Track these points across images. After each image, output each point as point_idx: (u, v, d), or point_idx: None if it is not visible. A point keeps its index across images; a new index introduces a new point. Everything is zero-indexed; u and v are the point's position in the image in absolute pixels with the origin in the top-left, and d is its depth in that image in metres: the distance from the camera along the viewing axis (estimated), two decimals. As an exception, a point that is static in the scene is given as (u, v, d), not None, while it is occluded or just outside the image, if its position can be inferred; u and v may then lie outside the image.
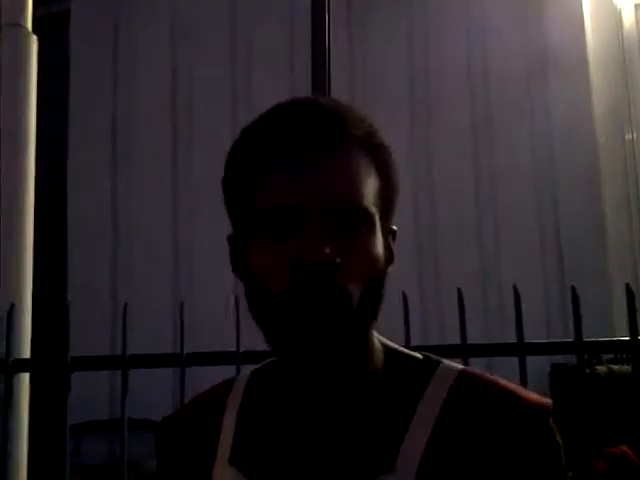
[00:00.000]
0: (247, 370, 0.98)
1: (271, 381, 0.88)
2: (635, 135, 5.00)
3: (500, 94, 5.08)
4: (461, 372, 0.84)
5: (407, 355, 0.88)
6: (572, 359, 2.04)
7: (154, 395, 4.23)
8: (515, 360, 1.87)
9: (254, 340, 0.97)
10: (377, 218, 0.79)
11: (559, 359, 3.84)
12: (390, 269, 0.84)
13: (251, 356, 1.81)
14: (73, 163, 5.99)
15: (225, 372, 1.28)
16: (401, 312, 1.91)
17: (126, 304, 1.98)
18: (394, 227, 0.87)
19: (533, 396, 0.81)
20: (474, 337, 1.92)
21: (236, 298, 1.96)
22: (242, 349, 1.86)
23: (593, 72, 4.94)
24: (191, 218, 5.60)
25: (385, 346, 0.87)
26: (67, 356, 2.00)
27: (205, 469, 0.86)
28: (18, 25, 2.48)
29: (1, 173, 2.37)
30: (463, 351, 1.87)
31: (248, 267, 0.80)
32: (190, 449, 0.90)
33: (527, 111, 5.02)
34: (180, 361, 1.93)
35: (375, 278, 0.78)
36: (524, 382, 1.84)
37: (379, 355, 0.85)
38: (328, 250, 0.73)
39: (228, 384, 0.95)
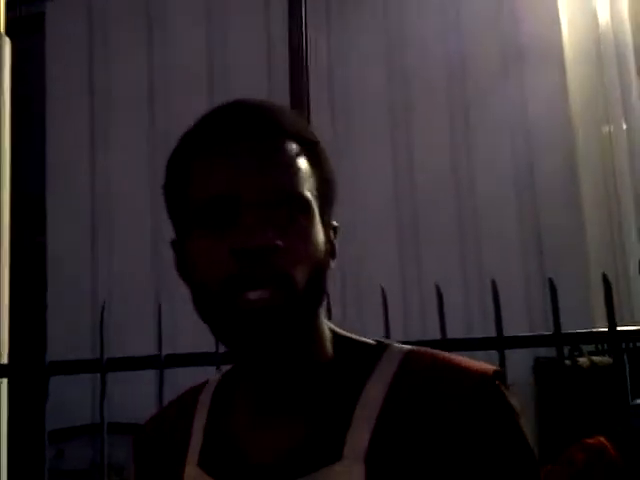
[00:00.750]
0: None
1: (236, 381, 0.88)
2: (612, 128, 5.04)
3: (477, 89, 5.10)
4: (408, 352, 0.84)
5: (358, 341, 0.87)
6: (555, 352, 2.04)
7: (138, 398, 4.21)
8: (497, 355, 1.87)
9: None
10: (315, 208, 0.80)
11: (543, 353, 3.86)
12: (333, 264, 0.84)
13: (231, 357, 1.79)
14: (52, 164, 5.94)
15: (207, 374, 1.27)
16: (381, 306, 1.91)
17: (104, 304, 1.96)
18: (335, 223, 0.87)
19: (478, 365, 0.80)
20: (457, 332, 1.92)
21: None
22: (222, 350, 1.85)
23: (569, 65, 4.98)
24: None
25: (335, 333, 0.87)
26: (44, 360, 1.97)
27: (176, 472, 0.86)
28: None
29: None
30: (443, 345, 1.86)
31: (190, 262, 0.80)
32: (163, 452, 0.91)
33: (504, 105, 5.04)
34: (159, 363, 1.91)
35: (318, 265, 0.79)
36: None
37: (328, 342, 0.85)
38: (268, 234, 0.74)
39: (201, 387, 0.95)
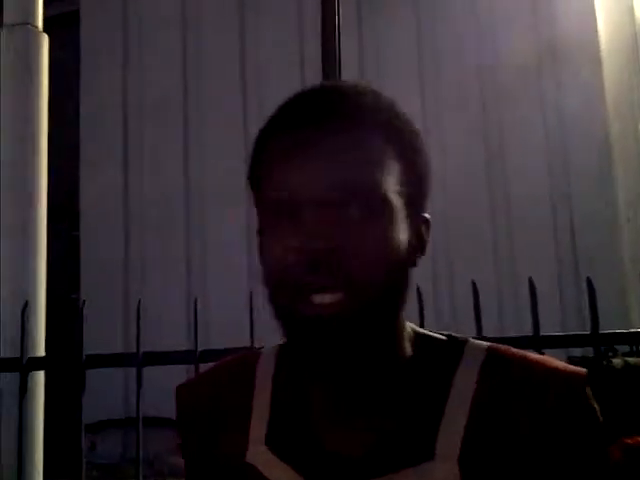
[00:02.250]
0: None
1: (304, 363, 0.81)
2: (648, 125, 4.96)
3: (511, 85, 5.04)
4: (489, 349, 0.81)
5: (433, 337, 0.84)
6: (589, 352, 2.01)
7: (168, 393, 4.24)
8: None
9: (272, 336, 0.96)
10: (397, 204, 0.74)
11: (576, 352, 3.81)
12: (419, 261, 0.80)
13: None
14: (85, 160, 6.01)
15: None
16: (415, 305, 1.90)
17: (140, 300, 1.98)
18: (426, 215, 0.81)
19: (566, 366, 0.78)
20: (488, 330, 1.90)
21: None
22: (257, 345, 1.85)
23: (605, 61, 4.90)
24: (203, 217, 5.60)
25: (414, 331, 0.84)
26: (82, 354, 2.00)
27: (237, 448, 0.83)
28: (29, 24, 2.49)
29: (14, 171, 2.38)
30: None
31: (260, 258, 0.77)
32: (218, 425, 0.87)
33: (539, 102, 4.99)
34: (194, 358, 1.93)
35: (395, 266, 0.74)
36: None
37: (408, 341, 0.81)
38: (332, 235, 0.70)
39: (253, 359, 0.90)
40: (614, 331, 1.93)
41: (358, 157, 0.73)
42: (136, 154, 5.93)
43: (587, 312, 1.89)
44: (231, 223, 5.41)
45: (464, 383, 0.78)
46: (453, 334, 0.85)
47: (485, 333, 1.88)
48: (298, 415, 0.82)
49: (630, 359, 3.87)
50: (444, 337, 0.84)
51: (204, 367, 1.93)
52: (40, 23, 2.54)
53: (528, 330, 1.89)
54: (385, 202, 0.73)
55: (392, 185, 0.74)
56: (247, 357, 0.91)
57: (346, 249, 0.70)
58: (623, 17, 5.09)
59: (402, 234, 0.75)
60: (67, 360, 2.15)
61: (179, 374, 3.06)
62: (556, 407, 0.74)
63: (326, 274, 0.70)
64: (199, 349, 1.94)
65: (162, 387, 3.47)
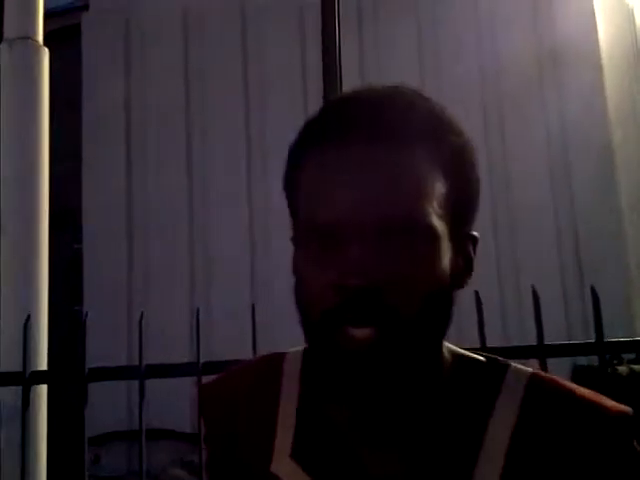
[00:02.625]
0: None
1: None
2: (650, 130, 4.96)
3: (512, 90, 5.04)
4: (532, 376, 0.77)
5: (473, 359, 0.80)
6: (595, 360, 2.00)
7: (171, 405, 4.23)
8: (535, 363, 1.84)
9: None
10: (442, 228, 0.70)
11: (582, 360, 3.79)
12: (468, 279, 0.77)
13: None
14: (87, 174, 6.01)
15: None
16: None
17: (142, 313, 1.98)
18: (474, 233, 0.78)
19: (614, 405, 0.74)
20: (492, 339, 1.89)
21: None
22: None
23: (606, 67, 4.91)
24: (206, 228, 5.60)
25: (453, 353, 0.80)
26: (84, 367, 1.99)
27: (262, 457, 0.81)
28: (29, 38, 2.49)
29: (16, 184, 2.38)
30: (482, 354, 1.84)
31: (295, 277, 0.74)
32: (243, 428, 0.84)
33: (540, 107, 4.98)
34: (197, 370, 1.92)
35: (434, 292, 0.70)
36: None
37: (447, 363, 0.78)
38: (374, 272, 0.66)
39: (278, 362, 0.87)
40: (619, 339, 1.92)
41: (402, 182, 0.68)
42: (139, 166, 5.94)
43: (592, 320, 1.87)
44: (235, 234, 5.41)
45: (505, 411, 0.75)
46: (492, 356, 0.82)
47: (489, 343, 1.87)
48: (327, 430, 0.79)
49: (635, 367, 3.86)
50: (483, 359, 0.81)
51: (206, 379, 1.93)
52: (41, 37, 2.54)
53: (532, 339, 1.88)
54: (430, 231, 0.69)
55: (438, 208, 0.70)
56: (273, 360, 0.88)
57: (388, 286, 0.67)
58: (623, 23, 5.10)
59: (445, 260, 0.71)
60: (70, 373, 2.14)
61: (182, 386, 3.06)
62: (599, 446, 0.71)
63: (365, 311, 0.67)
64: (202, 361, 1.94)
65: (165, 399, 3.47)
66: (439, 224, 0.70)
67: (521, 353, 1.91)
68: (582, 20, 4.96)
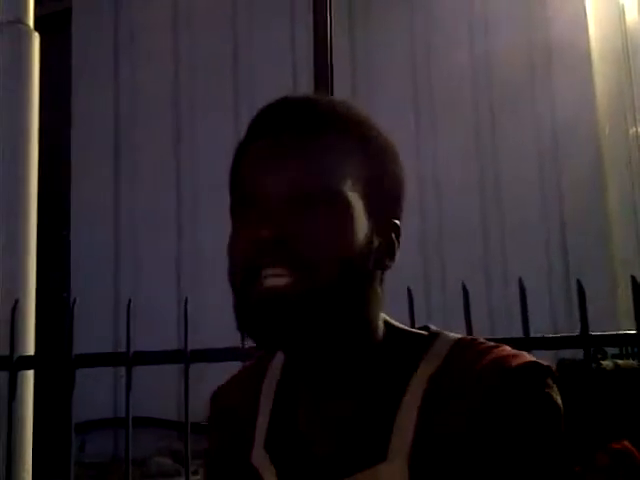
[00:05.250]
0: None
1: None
2: (639, 128, 4.98)
3: (503, 88, 5.06)
4: (458, 340, 0.82)
5: (409, 332, 0.86)
6: (579, 354, 2.02)
7: (158, 393, 4.23)
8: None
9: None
10: (356, 204, 0.79)
11: (567, 354, 3.81)
12: (390, 263, 0.83)
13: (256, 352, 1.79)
14: (76, 161, 5.98)
15: (231, 368, 1.27)
16: (406, 306, 1.90)
17: (130, 300, 1.97)
18: (397, 222, 0.85)
19: (528, 357, 0.76)
20: (478, 331, 1.90)
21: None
22: (248, 345, 1.85)
23: (596, 65, 4.93)
24: (194, 215, 5.60)
25: (391, 326, 0.85)
26: (72, 352, 1.99)
27: (245, 450, 0.87)
28: (20, 22, 2.48)
29: (3, 172, 2.37)
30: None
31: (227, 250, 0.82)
32: (233, 427, 0.91)
33: (530, 104, 5.00)
34: (185, 358, 1.92)
35: (352, 259, 0.77)
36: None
37: (379, 332, 0.83)
38: (284, 225, 0.75)
39: (266, 361, 0.93)
40: (604, 333, 1.94)
41: (322, 158, 0.79)
42: (128, 153, 5.91)
43: (577, 317, 1.89)
44: (223, 222, 5.39)
45: (427, 369, 0.78)
46: (436, 330, 0.85)
47: (475, 334, 1.88)
48: (289, 418, 0.84)
49: (620, 361, 3.88)
50: (426, 333, 0.85)
51: (194, 367, 1.94)
52: (31, 22, 2.53)
53: (518, 331, 1.90)
54: (341, 198, 0.78)
55: (352, 184, 0.79)
56: (262, 360, 0.94)
57: (296, 236, 0.75)
58: (614, 21, 5.11)
59: (360, 233, 0.78)
60: (57, 359, 2.14)
61: (169, 374, 3.06)
62: (512, 401, 0.72)
63: (275, 258, 0.74)
64: (189, 349, 1.94)
65: (152, 387, 3.47)
66: (352, 198, 0.78)
67: (508, 344, 1.93)
68: (573, 18, 4.98)
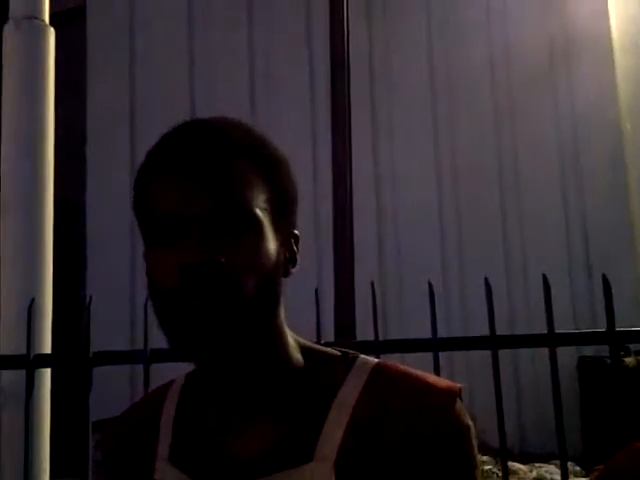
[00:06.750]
0: None
1: (205, 379, 0.91)
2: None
3: (523, 82, 5.01)
4: (376, 365, 0.89)
5: (325, 352, 0.92)
6: (601, 351, 1.98)
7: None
8: (541, 351, 1.83)
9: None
10: (266, 221, 0.83)
11: (588, 351, 3.77)
12: (293, 270, 0.89)
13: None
14: (92, 156, 6.00)
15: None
16: (427, 302, 1.87)
17: (147, 297, 1.95)
18: (295, 231, 0.91)
19: (442, 382, 0.86)
20: (500, 329, 1.87)
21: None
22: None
23: (618, 57, 4.87)
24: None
25: (300, 344, 0.91)
26: (89, 350, 1.97)
27: (147, 469, 0.90)
28: (35, 18, 2.46)
29: (19, 167, 2.35)
30: (492, 343, 1.82)
31: (147, 274, 0.84)
32: (132, 449, 0.94)
33: (551, 97, 4.95)
34: (202, 355, 1.90)
35: (268, 274, 0.82)
36: (555, 374, 1.79)
37: (294, 350, 0.89)
38: (211, 250, 0.78)
39: (167, 385, 0.98)
40: (631, 329, 1.90)
41: (229, 180, 0.82)
42: (143, 150, 5.92)
43: (600, 314, 1.85)
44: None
45: (347, 395, 0.85)
46: (347, 350, 0.92)
47: (497, 332, 1.85)
48: (197, 428, 0.89)
49: (642, 358, 3.83)
50: (337, 352, 0.92)
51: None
52: (47, 17, 2.51)
53: (541, 328, 1.86)
54: (255, 219, 0.82)
55: (260, 203, 0.84)
56: (160, 387, 1.00)
57: (218, 259, 0.78)
58: (635, 12, 5.05)
59: (271, 245, 0.84)
60: (74, 357, 2.13)
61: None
62: (426, 421, 0.81)
63: (200, 282, 0.78)
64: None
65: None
66: (263, 216, 0.83)
67: (531, 341, 1.90)
68: (594, 9, 4.92)
